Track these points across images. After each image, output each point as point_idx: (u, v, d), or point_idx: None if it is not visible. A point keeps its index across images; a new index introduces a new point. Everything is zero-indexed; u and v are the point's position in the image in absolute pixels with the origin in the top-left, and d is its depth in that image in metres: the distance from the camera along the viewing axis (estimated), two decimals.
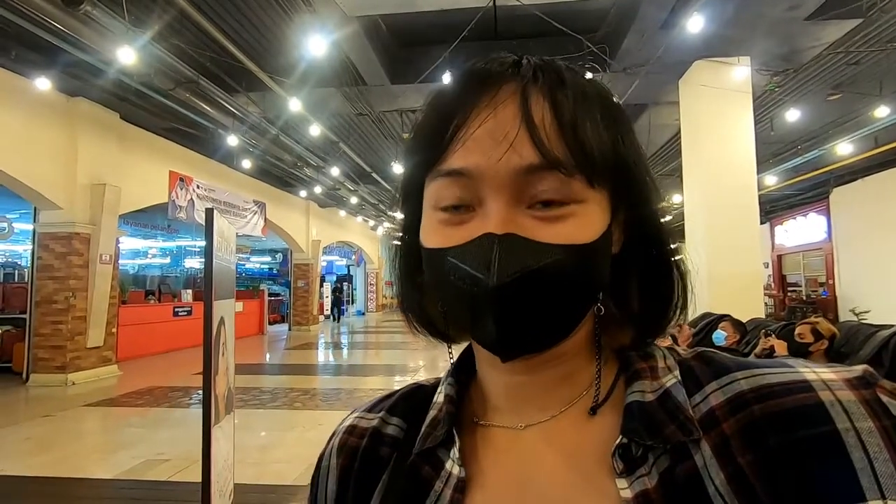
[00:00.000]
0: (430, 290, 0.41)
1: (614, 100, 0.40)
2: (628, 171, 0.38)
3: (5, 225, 8.47)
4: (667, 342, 0.50)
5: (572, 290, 0.35)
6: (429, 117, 0.39)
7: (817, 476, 0.29)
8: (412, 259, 0.42)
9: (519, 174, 0.34)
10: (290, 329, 15.39)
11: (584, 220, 0.35)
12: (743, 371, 0.35)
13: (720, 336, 3.67)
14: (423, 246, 0.39)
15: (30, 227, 7.64)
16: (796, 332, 2.92)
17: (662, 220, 0.41)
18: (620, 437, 0.35)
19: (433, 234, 0.38)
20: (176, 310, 11.29)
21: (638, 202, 0.39)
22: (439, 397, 0.44)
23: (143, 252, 19.21)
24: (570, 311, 0.36)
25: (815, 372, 0.33)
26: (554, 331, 0.36)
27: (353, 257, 23.09)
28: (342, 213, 16.32)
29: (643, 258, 0.40)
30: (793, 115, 7.80)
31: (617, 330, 0.41)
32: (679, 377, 0.37)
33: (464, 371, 0.45)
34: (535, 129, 0.34)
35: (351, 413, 0.48)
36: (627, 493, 0.33)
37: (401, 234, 0.45)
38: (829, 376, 0.33)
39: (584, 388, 0.39)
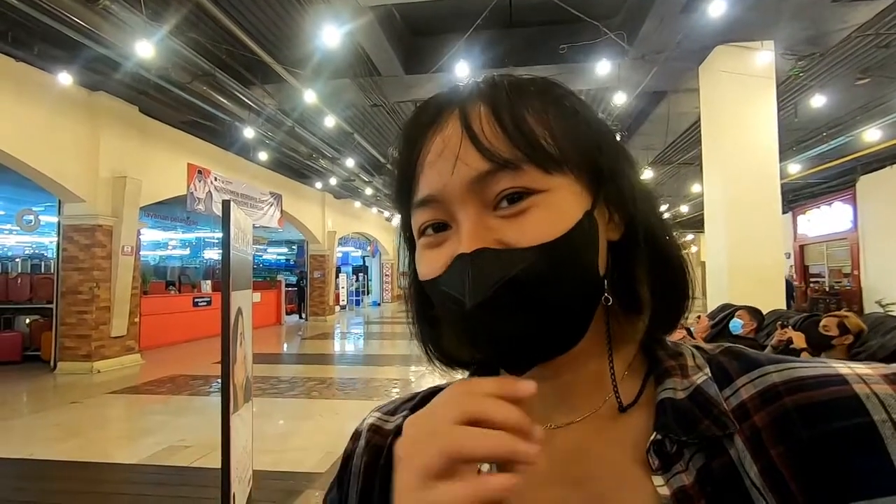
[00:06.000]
0: (441, 321, 0.42)
1: (564, 88, 0.40)
2: (592, 150, 0.38)
3: (32, 217, 8.69)
4: (680, 335, 0.49)
5: (558, 288, 0.34)
6: (400, 155, 0.40)
7: (852, 468, 0.29)
8: (421, 296, 0.43)
9: (473, 183, 0.35)
10: (306, 319, 15.58)
11: (550, 209, 0.35)
12: (774, 365, 0.35)
13: (737, 324, 3.61)
14: (421, 279, 0.39)
15: (55, 219, 7.83)
16: (821, 324, 2.85)
17: (643, 194, 0.40)
18: (654, 433, 0.35)
19: (422, 263, 0.39)
20: (195, 300, 11.50)
21: (613, 180, 0.39)
22: None
23: (163, 243, 19.58)
24: (564, 310, 0.35)
25: (850, 367, 0.33)
26: (556, 333, 0.35)
27: (369, 248, 23.21)
28: (357, 204, 16.38)
29: (641, 242, 0.39)
30: (818, 100, 7.55)
31: (632, 322, 0.40)
32: (709, 374, 0.37)
33: (486, 375, 0.44)
34: (475, 138, 0.35)
35: (372, 412, 0.49)
36: (665, 490, 0.33)
37: (408, 271, 0.46)
38: (865, 371, 0.32)
39: (609, 390, 0.39)
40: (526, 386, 0.30)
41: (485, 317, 0.33)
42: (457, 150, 0.36)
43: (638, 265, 0.39)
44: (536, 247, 0.34)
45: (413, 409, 0.46)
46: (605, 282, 0.38)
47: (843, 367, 0.33)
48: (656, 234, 0.40)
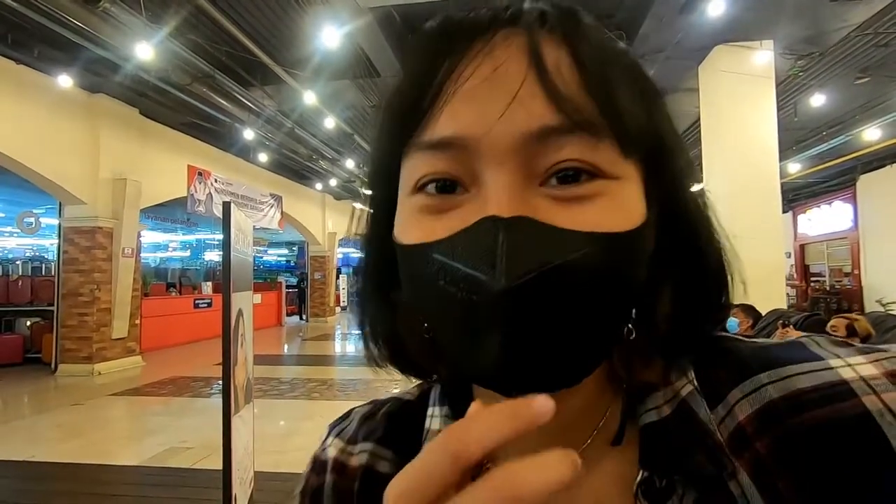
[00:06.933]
0: (409, 306, 0.31)
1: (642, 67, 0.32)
2: (664, 144, 0.30)
3: (32, 220, 8.70)
4: None
5: (606, 298, 0.26)
6: (405, 76, 0.30)
7: (867, 497, 0.25)
8: (383, 266, 0.33)
9: (528, 139, 0.26)
10: (307, 320, 15.57)
11: (618, 203, 0.27)
12: (767, 371, 0.29)
13: (733, 323, 3.62)
14: (399, 243, 0.30)
15: (55, 221, 7.84)
16: (830, 324, 2.86)
17: (703, 207, 0.33)
18: (641, 472, 0.29)
19: (411, 227, 0.29)
20: (196, 302, 11.51)
21: (674, 185, 0.31)
22: (433, 423, 0.36)
23: (163, 245, 19.59)
24: (600, 330, 0.27)
25: (851, 365, 0.28)
26: (578, 359, 0.27)
27: None
28: (357, 205, 16.36)
29: (679, 261, 0.31)
30: (817, 100, 7.56)
31: (639, 355, 0.32)
32: (695, 382, 0.31)
33: (456, 393, 0.36)
34: (548, 77, 0.26)
35: (332, 436, 0.41)
36: None
37: (366, 234, 0.35)
38: (869, 371, 0.27)
39: (601, 416, 0.32)
40: (545, 405, 0.21)
41: (510, 307, 0.24)
42: (516, 85, 0.26)
43: (661, 303, 0.31)
44: (597, 234, 0.25)
45: (378, 437, 0.38)
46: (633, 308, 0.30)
47: (844, 367, 0.28)
48: (696, 248, 0.32)
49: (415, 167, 0.28)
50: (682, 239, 0.31)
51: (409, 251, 0.29)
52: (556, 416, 0.28)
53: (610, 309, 0.27)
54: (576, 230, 0.25)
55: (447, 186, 0.28)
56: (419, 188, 0.28)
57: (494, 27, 0.28)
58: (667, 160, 0.31)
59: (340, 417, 0.43)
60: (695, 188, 0.33)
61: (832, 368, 0.28)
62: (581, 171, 0.26)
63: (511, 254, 0.24)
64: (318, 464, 0.40)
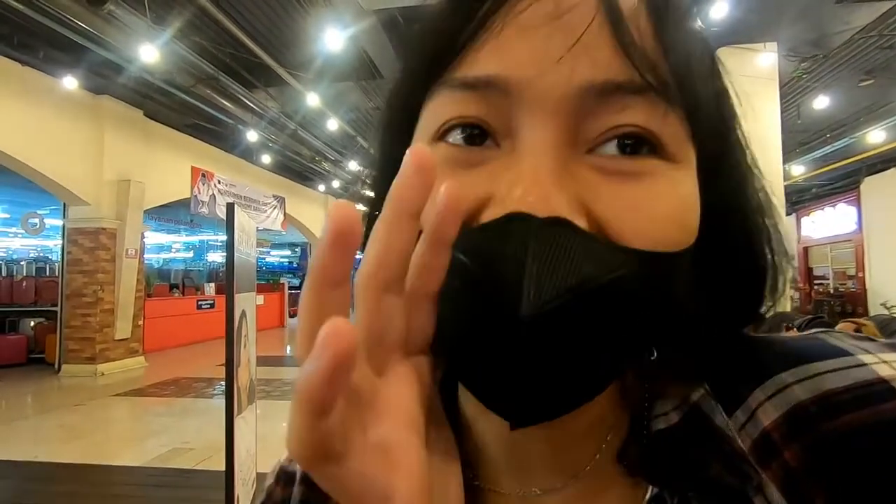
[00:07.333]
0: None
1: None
2: (731, 137, 0.27)
3: (37, 221, 8.75)
4: None
5: (639, 323, 0.22)
6: (443, 2, 0.25)
7: None
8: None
9: (587, 93, 0.21)
10: None
11: (676, 194, 0.23)
12: (790, 370, 0.26)
13: None
14: None
15: (59, 222, 7.88)
16: (837, 328, 2.85)
17: (764, 218, 0.29)
18: (650, 488, 0.26)
19: None
20: (199, 303, 11.53)
21: (735, 191, 0.27)
22: None
23: (167, 246, 19.65)
24: (623, 355, 0.23)
25: (886, 361, 0.25)
26: (592, 387, 0.23)
27: None
28: (360, 206, 16.40)
29: (726, 277, 0.28)
30: (821, 102, 7.55)
31: (661, 373, 0.28)
32: (706, 386, 0.27)
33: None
34: (622, 24, 0.21)
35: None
36: None
37: (373, 195, 0.30)
38: None
39: (608, 429, 0.28)
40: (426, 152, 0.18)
41: (532, 340, 0.20)
42: (581, 27, 0.21)
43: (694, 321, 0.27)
44: (647, 253, 0.21)
45: None
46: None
47: (879, 364, 0.24)
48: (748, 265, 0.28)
49: (441, 109, 0.24)
50: (731, 245, 0.27)
51: None
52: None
53: (640, 334, 0.23)
54: (620, 246, 0.21)
55: (475, 137, 0.23)
56: (441, 135, 0.24)
57: None
58: (731, 157, 0.27)
59: None
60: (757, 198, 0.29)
61: (865, 365, 0.24)
62: (643, 140, 0.22)
63: (541, 275, 0.20)
64: (284, 475, 0.36)
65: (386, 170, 0.29)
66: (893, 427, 0.23)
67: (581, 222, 0.21)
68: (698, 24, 0.26)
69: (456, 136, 0.23)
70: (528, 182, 0.21)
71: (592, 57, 0.21)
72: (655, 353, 0.27)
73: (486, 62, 0.22)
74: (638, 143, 0.22)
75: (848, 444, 0.23)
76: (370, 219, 0.30)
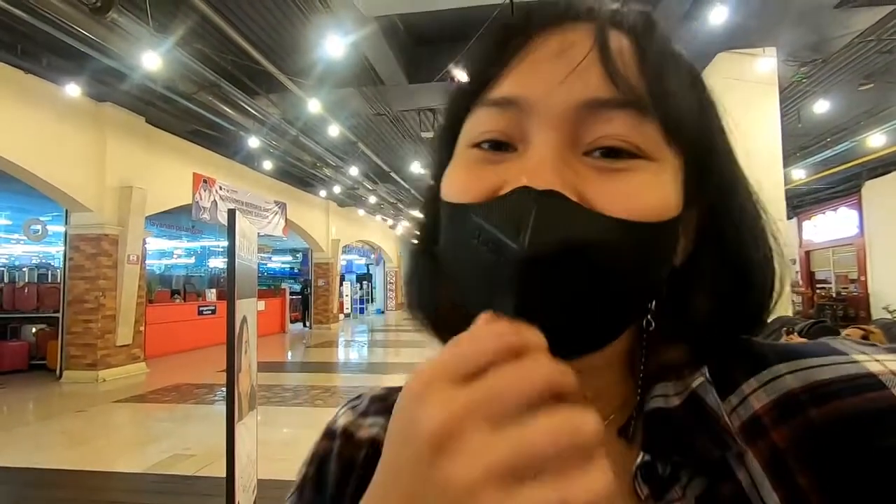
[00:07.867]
0: (446, 270, 0.33)
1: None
2: (714, 146, 0.32)
3: (39, 227, 8.78)
4: None
5: (621, 283, 0.27)
6: (482, 47, 0.32)
7: None
8: (433, 230, 0.35)
9: (581, 108, 0.28)
10: (310, 327, 15.58)
11: (655, 185, 0.28)
12: (786, 362, 0.29)
13: None
14: (443, 200, 0.31)
15: (61, 228, 7.89)
16: (844, 334, 2.84)
17: (757, 217, 0.33)
18: (642, 454, 0.29)
19: (456, 179, 0.31)
20: (200, 309, 11.53)
21: (722, 190, 0.32)
22: None
23: (168, 252, 19.68)
24: (612, 311, 0.28)
25: (878, 360, 0.27)
26: (587, 334, 0.28)
27: (373, 256, 23.25)
28: (361, 212, 16.44)
29: (720, 267, 0.31)
30: (821, 106, 7.56)
31: (664, 349, 0.32)
32: (707, 375, 0.30)
33: None
34: (609, 56, 0.28)
35: (345, 408, 0.43)
36: None
37: (426, 199, 0.37)
38: None
39: (614, 408, 0.32)
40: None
41: (527, 272, 0.25)
42: (578, 59, 0.28)
43: (693, 303, 0.31)
44: (625, 221, 0.26)
45: (386, 410, 0.38)
46: (653, 302, 0.31)
47: (871, 362, 0.27)
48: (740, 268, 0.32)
49: (478, 121, 0.31)
50: (727, 246, 0.32)
51: (451, 209, 0.31)
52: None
53: (623, 294, 0.28)
54: (604, 214, 0.26)
55: (499, 144, 0.30)
56: (477, 143, 0.31)
57: (569, 19, 0.31)
58: (715, 163, 0.32)
59: (353, 397, 0.44)
60: (750, 201, 0.34)
61: (857, 362, 0.27)
62: (623, 150, 0.28)
63: (538, 225, 0.25)
64: (328, 431, 0.41)
65: (437, 165, 0.36)
66: (880, 414, 0.25)
67: (573, 198, 0.27)
68: (679, 49, 0.33)
69: (485, 144, 0.30)
70: (532, 169, 0.27)
71: (586, 81, 0.28)
72: (653, 324, 0.31)
73: (508, 87, 0.30)
74: (619, 151, 0.28)
75: (836, 430, 0.25)
76: (430, 190, 0.37)
